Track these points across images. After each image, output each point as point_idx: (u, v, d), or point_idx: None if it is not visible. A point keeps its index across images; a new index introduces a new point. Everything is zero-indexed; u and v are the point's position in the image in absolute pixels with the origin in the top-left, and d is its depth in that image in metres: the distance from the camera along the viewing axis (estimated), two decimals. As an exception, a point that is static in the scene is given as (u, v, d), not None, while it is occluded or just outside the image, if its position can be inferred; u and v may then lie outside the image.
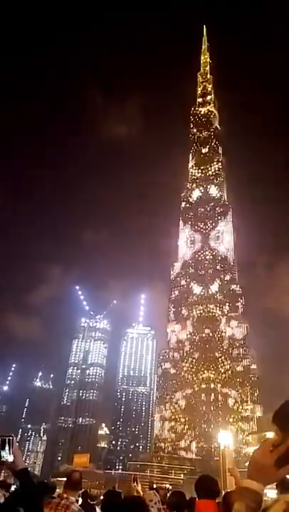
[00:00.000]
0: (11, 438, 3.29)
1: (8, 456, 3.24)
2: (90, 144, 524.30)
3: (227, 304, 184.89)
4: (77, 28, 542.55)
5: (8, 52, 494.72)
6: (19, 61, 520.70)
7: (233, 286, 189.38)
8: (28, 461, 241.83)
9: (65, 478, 6.66)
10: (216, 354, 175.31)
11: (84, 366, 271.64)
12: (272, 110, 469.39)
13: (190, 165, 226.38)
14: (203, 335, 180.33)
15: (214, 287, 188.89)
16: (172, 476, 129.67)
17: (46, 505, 5.70)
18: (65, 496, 6.01)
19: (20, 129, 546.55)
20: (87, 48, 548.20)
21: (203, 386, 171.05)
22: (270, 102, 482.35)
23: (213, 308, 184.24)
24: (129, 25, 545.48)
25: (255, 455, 2.20)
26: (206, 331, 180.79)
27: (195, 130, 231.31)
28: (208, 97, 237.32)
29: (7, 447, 3.25)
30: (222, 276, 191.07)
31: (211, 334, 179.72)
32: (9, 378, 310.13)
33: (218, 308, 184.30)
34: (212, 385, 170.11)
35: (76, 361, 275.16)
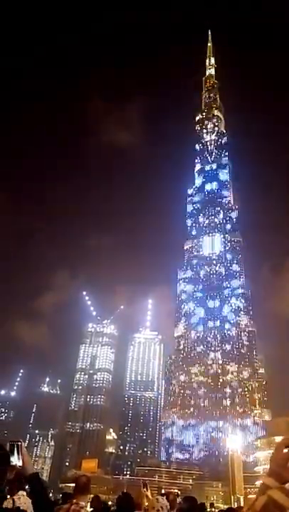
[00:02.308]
0: (19, 443, 3.33)
1: (17, 461, 3.28)
2: (95, 150, 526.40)
3: (234, 308, 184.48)
4: (77, 28, 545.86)
5: (8, 53, 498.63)
6: (19, 61, 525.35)
7: (241, 291, 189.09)
8: (36, 467, 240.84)
9: (73, 484, 6.66)
10: (224, 358, 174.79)
11: (91, 371, 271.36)
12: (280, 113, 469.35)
13: (196, 169, 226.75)
14: (211, 339, 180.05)
15: (223, 293, 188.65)
16: (181, 481, 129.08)
17: (56, 511, 5.71)
18: (74, 501, 6.01)
19: (21, 130, 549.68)
20: (87, 49, 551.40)
21: (211, 390, 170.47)
22: (275, 104, 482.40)
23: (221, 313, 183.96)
24: (129, 26, 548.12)
25: (272, 454, 2.36)
26: (214, 336, 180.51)
27: (200, 134, 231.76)
28: (214, 104, 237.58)
29: (16, 452, 3.28)
30: (229, 279, 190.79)
31: (217, 339, 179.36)
32: (17, 384, 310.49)
33: (225, 312, 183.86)
34: (220, 389, 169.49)
35: (83, 366, 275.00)
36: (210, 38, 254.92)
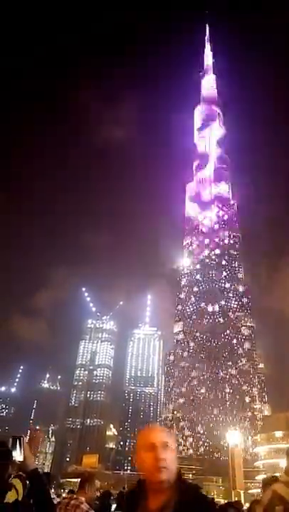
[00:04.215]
0: (21, 438, 3.28)
1: (18, 457, 3.23)
2: (92, 144, 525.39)
3: (234, 303, 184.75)
4: (77, 28, 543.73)
5: (8, 52, 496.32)
6: (19, 61, 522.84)
7: (240, 287, 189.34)
8: (36, 462, 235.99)
9: (73, 479, 6.69)
10: (224, 353, 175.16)
11: (91, 367, 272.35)
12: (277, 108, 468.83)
13: (194, 165, 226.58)
14: (210, 334, 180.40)
15: (221, 287, 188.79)
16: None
17: (56, 505, 5.72)
18: (74, 496, 6.05)
19: (21, 129, 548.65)
20: (86, 48, 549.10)
21: (211, 385, 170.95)
22: (272, 99, 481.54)
23: (219, 308, 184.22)
24: (128, 25, 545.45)
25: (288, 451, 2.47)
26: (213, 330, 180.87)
27: (199, 131, 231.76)
28: (212, 100, 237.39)
29: (18, 447, 3.22)
30: (228, 275, 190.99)
31: (217, 334, 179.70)
32: (17, 380, 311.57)
33: (225, 307, 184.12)
34: (220, 384, 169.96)
35: (83, 362, 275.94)
36: (208, 33, 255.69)
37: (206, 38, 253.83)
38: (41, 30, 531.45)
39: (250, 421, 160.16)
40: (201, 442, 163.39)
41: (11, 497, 5.27)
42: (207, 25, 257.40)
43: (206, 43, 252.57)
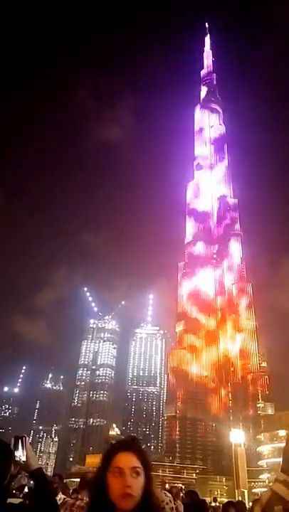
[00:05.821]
0: (23, 438, 3.26)
1: (21, 456, 3.21)
2: (94, 144, 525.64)
3: (236, 300, 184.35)
4: (76, 27, 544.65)
5: (8, 52, 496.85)
6: (18, 61, 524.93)
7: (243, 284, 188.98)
8: (40, 462, 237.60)
9: (77, 479, 6.67)
10: (226, 352, 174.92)
11: (94, 367, 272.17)
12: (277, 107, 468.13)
13: (194, 163, 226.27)
14: (212, 334, 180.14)
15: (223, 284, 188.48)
16: (185, 476, 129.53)
17: (61, 506, 5.72)
18: (79, 496, 6.02)
19: (21, 130, 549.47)
20: (85, 48, 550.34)
21: (214, 384, 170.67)
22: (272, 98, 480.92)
23: (222, 307, 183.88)
24: (127, 23, 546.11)
25: (284, 449, 2.35)
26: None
27: (199, 129, 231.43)
28: (212, 97, 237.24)
29: (20, 447, 3.20)
30: (229, 273, 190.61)
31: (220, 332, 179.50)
32: (20, 380, 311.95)
33: (227, 306, 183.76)
34: (223, 383, 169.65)
35: (86, 362, 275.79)
36: (207, 31, 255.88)
37: (206, 35, 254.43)
38: (41, 30, 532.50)
39: (253, 420, 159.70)
40: (204, 441, 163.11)
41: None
42: (206, 24, 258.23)
43: (206, 41, 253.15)
